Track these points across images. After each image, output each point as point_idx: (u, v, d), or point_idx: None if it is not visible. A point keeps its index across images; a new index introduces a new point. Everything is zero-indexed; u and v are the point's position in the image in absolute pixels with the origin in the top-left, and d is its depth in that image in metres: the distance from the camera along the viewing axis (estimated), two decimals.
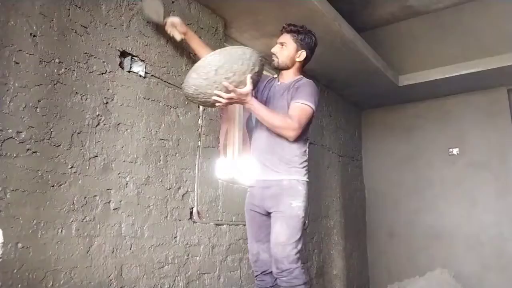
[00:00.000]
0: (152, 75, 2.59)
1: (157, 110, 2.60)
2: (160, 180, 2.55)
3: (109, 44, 2.35)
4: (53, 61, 2.05)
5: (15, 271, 1.79)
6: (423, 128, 5.13)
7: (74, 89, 2.14)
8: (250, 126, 3.92)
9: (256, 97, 2.35)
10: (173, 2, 2.80)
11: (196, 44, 2.62)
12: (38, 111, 1.97)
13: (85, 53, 2.21)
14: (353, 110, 5.40)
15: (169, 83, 2.70)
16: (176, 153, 2.70)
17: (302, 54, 2.41)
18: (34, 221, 1.89)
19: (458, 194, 4.76)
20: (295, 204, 2.24)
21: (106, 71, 2.31)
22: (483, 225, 4.56)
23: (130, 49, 2.47)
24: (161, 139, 2.60)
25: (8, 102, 1.86)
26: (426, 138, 5.09)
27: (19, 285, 1.80)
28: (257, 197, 2.40)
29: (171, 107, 2.70)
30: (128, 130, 2.40)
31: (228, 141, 3.50)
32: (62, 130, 2.06)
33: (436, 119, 5.06)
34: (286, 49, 2.40)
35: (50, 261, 1.93)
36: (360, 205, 5.26)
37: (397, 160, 5.26)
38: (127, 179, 2.35)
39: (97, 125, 2.23)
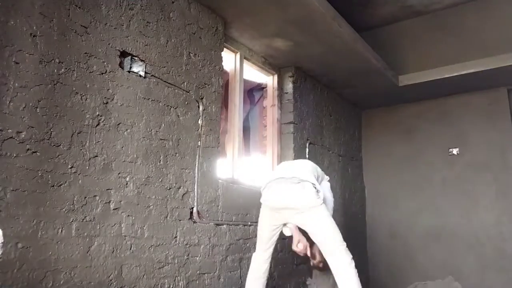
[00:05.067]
0: (152, 75, 2.59)
1: (157, 110, 2.60)
2: (160, 180, 2.55)
3: (109, 44, 2.35)
4: (53, 61, 2.05)
5: (15, 271, 1.79)
6: (423, 128, 5.13)
7: (74, 89, 2.14)
8: (246, 126, 3.92)
9: None
10: (173, 2, 2.80)
11: None
12: (38, 111, 1.97)
13: (85, 53, 2.21)
14: (353, 110, 5.39)
15: (169, 83, 2.70)
16: (176, 153, 2.70)
17: None
18: (34, 221, 1.89)
19: (458, 194, 4.76)
20: None
21: (106, 71, 2.31)
22: (483, 225, 4.56)
23: (130, 49, 2.47)
24: (161, 139, 2.60)
25: (8, 102, 1.86)
26: (426, 138, 5.09)
27: (19, 285, 1.80)
28: None
29: (171, 107, 2.70)
30: (128, 130, 2.40)
31: (228, 141, 3.49)
32: (62, 130, 2.06)
33: (436, 119, 5.06)
34: None
35: (50, 261, 1.93)
36: (360, 205, 5.26)
37: (397, 160, 5.26)
38: (127, 179, 2.35)
39: (97, 125, 2.23)
